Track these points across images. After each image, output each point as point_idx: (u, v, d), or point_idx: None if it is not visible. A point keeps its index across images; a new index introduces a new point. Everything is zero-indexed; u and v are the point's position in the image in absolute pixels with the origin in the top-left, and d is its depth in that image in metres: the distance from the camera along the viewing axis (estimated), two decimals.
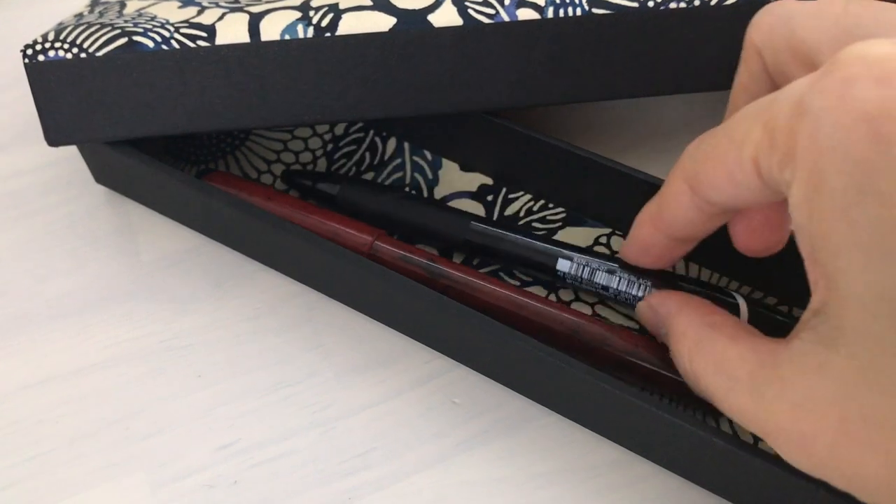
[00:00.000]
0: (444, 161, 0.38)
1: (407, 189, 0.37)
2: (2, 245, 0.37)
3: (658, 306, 0.29)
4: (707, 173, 0.24)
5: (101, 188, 0.38)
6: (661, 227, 0.27)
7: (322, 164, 0.38)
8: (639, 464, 0.30)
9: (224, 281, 0.35)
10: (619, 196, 0.34)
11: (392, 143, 0.39)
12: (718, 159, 0.23)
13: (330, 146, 0.39)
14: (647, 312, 0.30)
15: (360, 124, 0.39)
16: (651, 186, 0.32)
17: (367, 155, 0.39)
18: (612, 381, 0.27)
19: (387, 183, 0.38)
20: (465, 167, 0.38)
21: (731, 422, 0.31)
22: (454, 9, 0.31)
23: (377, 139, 0.39)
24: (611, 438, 0.30)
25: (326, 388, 0.32)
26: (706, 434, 0.26)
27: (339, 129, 0.39)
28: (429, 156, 0.38)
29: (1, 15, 0.46)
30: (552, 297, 0.34)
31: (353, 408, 0.32)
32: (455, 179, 0.38)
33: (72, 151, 0.39)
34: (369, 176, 0.38)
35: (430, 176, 0.38)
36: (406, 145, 0.39)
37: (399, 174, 0.38)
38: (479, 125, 0.35)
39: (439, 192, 0.37)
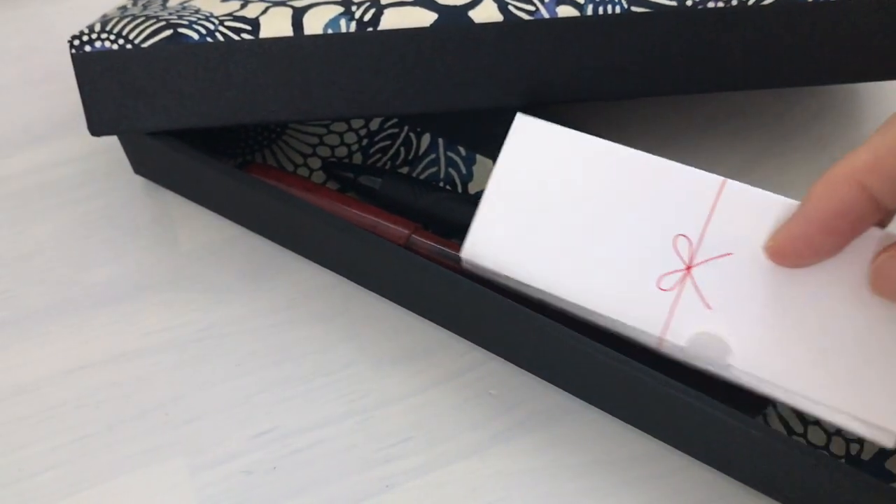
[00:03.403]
0: (479, 157, 0.39)
1: (441, 184, 0.38)
2: (42, 234, 0.37)
3: None
4: None
5: (139, 179, 0.39)
6: (873, 178, 0.23)
7: (357, 159, 0.39)
8: (673, 456, 0.30)
9: (262, 271, 0.36)
10: None
11: (426, 139, 0.39)
12: None
13: (365, 141, 0.39)
14: None
15: (394, 119, 0.40)
16: None
17: (402, 150, 0.39)
18: (647, 371, 0.27)
19: (421, 178, 0.38)
20: None
21: (765, 417, 0.31)
22: (494, 5, 0.32)
23: (412, 134, 0.39)
24: (646, 431, 0.31)
25: (363, 378, 0.33)
26: (740, 424, 0.26)
27: (375, 124, 0.40)
28: (463, 151, 0.39)
29: (40, 8, 0.47)
30: None
31: (390, 397, 0.32)
32: (489, 175, 0.38)
33: (110, 142, 0.40)
34: (404, 171, 0.38)
35: (464, 171, 0.38)
36: (440, 141, 0.39)
37: (433, 169, 0.38)
38: (512, 120, 0.35)
39: (473, 188, 0.38)
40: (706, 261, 0.27)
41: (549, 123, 0.30)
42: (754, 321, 0.26)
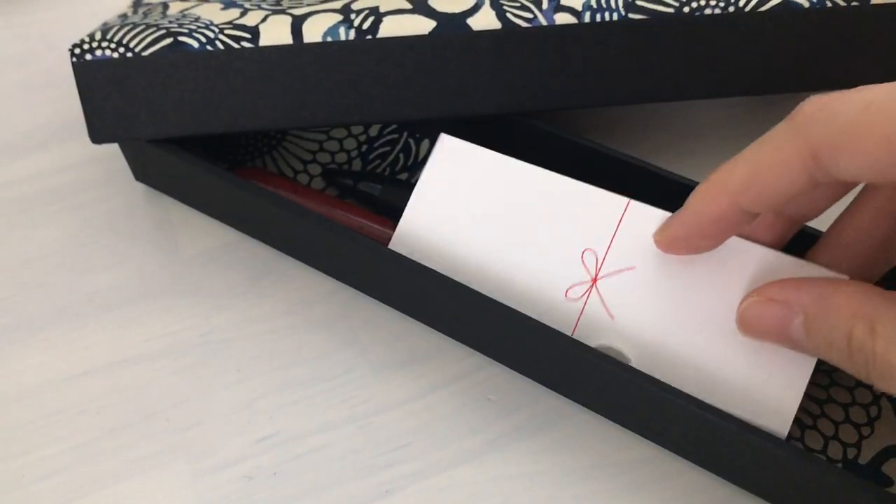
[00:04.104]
0: None
1: None
2: (44, 239, 0.37)
3: (788, 297, 0.25)
4: (853, 147, 0.21)
5: (140, 185, 0.39)
6: (745, 198, 0.25)
7: (357, 165, 0.39)
8: (671, 461, 0.31)
9: (262, 277, 0.36)
10: (656, 197, 0.34)
11: (426, 145, 0.39)
12: (880, 134, 0.21)
13: (365, 147, 0.40)
14: (766, 310, 0.26)
15: (393, 125, 0.40)
16: (682, 186, 0.32)
17: (402, 156, 0.39)
18: (644, 377, 0.28)
19: None
20: None
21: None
22: (493, 13, 0.32)
23: (411, 140, 0.40)
24: (643, 435, 0.31)
25: (363, 384, 0.33)
26: (737, 429, 0.26)
27: (374, 131, 0.40)
28: None
29: (43, 16, 0.47)
30: None
31: (390, 403, 0.32)
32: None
33: (112, 149, 0.40)
34: (403, 177, 0.39)
35: None
36: None
37: None
38: (510, 126, 0.35)
39: None
40: (610, 274, 0.30)
41: (471, 145, 0.32)
42: (651, 330, 0.29)
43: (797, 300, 0.25)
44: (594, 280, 0.30)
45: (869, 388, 0.32)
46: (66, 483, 0.31)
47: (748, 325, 0.27)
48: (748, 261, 0.28)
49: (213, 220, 0.38)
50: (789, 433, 0.31)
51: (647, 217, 0.30)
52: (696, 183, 0.32)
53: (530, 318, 0.29)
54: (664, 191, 0.33)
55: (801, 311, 0.25)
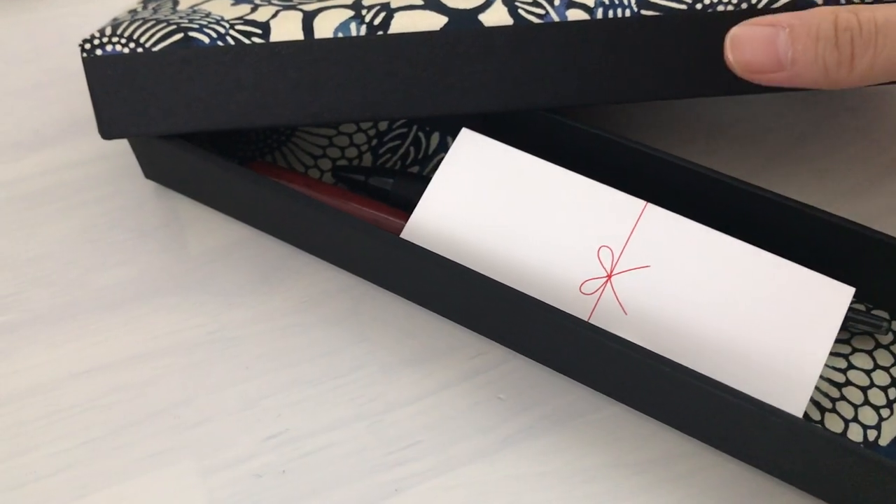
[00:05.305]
0: None
1: None
2: (53, 236, 0.37)
3: (773, 20, 0.28)
4: None
5: (149, 183, 0.39)
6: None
7: (367, 160, 0.39)
8: (686, 458, 0.30)
9: (271, 274, 0.36)
10: (678, 190, 0.34)
11: (436, 138, 0.39)
12: None
13: (374, 141, 0.39)
14: (754, 29, 0.28)
15: (403, 119, 0.40)
16: (711, 181, 0.32)
17: (412, 149, 0.39)
18: (670, 363, 0.28)
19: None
20: None
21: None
22: (505, 9, 0.32)
23: (420, 134, 0.39)
24: (659, 419, 0.31)
25: (373, 381, 0.33)
26: (759, 411, 0.26)
27: (383, 125, 0.40)
28: None
29: (52, 12, 0.47)
30: None
31: (400, 400, 0.32)
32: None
33: (121, 146, 0.40)
34: (414, 170, 0.38)
35: None
36: (449, 140, 0.39)
37: None
38: (519, 117, 0.35)
39: None
40: (626, 271, 0.30)
41: (493, 140, 0.33)
42: (665, 326, 0.29)
43: (781, 20, 0.27)
44: (609, 276, 0.30)
45: (887, 370, 0.32)
46: (74, 480, 0.31)
47: (737, 45, 0.28)
48: (759, 266, 0.29)
49: (222, 217, 0.38)
50: (811, 418, 0.31)
51: (664, 219, 0.31)
52: (721, 175, 0.32)
53: (545, 303, 0.29)
54: (691, 185, 0.33)
55: (786, 25, 0.27)
